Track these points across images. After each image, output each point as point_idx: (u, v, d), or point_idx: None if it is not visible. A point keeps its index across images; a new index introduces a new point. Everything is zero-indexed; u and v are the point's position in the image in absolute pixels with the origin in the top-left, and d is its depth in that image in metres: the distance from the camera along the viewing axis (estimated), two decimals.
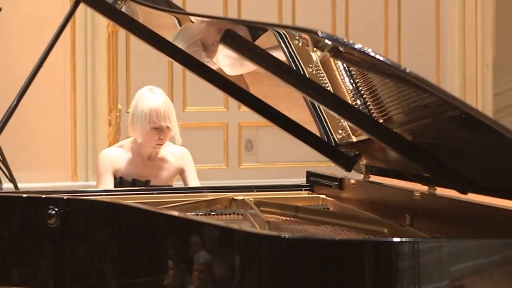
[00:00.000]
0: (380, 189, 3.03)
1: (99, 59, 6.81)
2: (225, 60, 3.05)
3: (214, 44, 2.99)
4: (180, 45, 3.09)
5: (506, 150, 2.18)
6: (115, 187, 3.73)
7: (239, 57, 2.94)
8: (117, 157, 3.80)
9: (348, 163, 3.24)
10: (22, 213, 2.83)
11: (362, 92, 2.83)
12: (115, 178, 3.77)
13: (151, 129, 3.71)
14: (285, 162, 7.14)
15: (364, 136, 2.98)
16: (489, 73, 7.75)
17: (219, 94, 3.46)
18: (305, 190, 3.50)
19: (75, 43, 6.73)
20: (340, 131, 3.24)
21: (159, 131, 3.72)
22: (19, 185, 6.02)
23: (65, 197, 2.84)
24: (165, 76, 6.97)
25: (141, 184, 3.75)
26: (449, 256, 2.07)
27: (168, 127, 3.73)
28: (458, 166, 2.51)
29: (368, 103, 2.81)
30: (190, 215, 2.89)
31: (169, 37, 3.13)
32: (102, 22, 6.69)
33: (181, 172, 3.87)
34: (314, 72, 2.98)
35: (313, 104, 3.23)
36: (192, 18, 3.20)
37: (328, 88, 2.98)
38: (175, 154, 3.88)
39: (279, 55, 2.89)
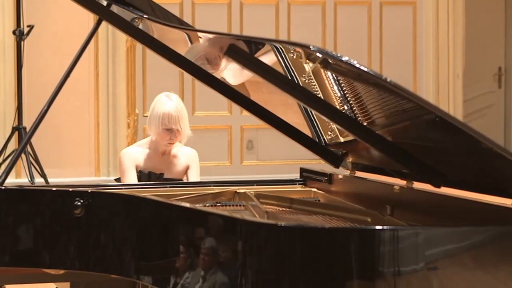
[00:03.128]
0: (364, 183, 3.02)
1: (119, 69, 6.81)
2: (228, 73, 3.06)
3: (217, 58, 2.99)
4: (190, 58, 3.09)
5: (474, 149, 2.18)
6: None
7: (239, 69, 2.94)
8: (136, 154, 3.86)
9: (336, 161, 3.23)
10: (52, 204, 2.82)
11: (348, 98, 2.82)
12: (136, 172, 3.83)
13: (163, 130, 3.76)
14: (282, 160, 7.14)
15: (351, 137, 2.97)
16: (459, 82, 7.75)
17: (224, 100, 3.45)
18: (299, 184, 3.49)
19: (98, 56, 6.72)
20: (329, 133, 3.23)
21: (170, 132, 3.77)
22: (49, 180, 6.03)
23: (89, 190, 2.83)
24: (176, 85, 6.96)
25: (156, 176, 3.81)
26: (424, 242, 2.06)
27: (178, 130, 3.76)
28: (432, 163, 2.51)
29: (354, 108, 2.80)
30: (198, 206, 2.89)
31: (180, 51, 3.13)
32: (122, 38, 6.69)
33: (187, 169, 3.90)
34: (306, 81, 2.97)
35: (305, 109, 3.23)
36: (200, 34, 3.20)
37: (319, 95, 2.97)
38: (185, 153, 3.92)
39: (276, 66, 2.89)
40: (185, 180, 3.89)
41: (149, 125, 3.84)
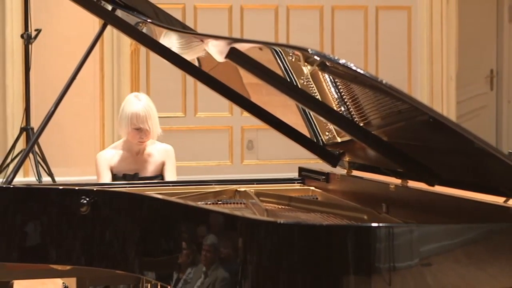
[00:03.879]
0: (360, 182, 3.03)
1: (123, 72, 6.81)
2: (214, 49, 3.01)
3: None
4: (172, 35, 3.06)
5: (467, 149, 2.18)
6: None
7: (224, 44, 2.89)
8: (111, 156, 3.82)
9: (333, 160, 3.23)
10: (59, 202, 2.82)
11: (345, 100, 2.82)
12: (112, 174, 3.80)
13: (132, 130, 3.73)
14: (281, 159, 7.14)
15: (347, 137, 2.97)
16: (452, 85, 7.75)
17: (225, 101, 3.45)
18: (298, 183, 3.48)
19: (103, 59, 6.72)
20: (327, 133, 3.23)
21: (140, 132, 3.73)
22: (56, 179, 6.03)
23: (94, 189, 2.83)
24: (179, 87, 6.96)
25: (130, 177, 3.75)
26: (419, 238, 2.07)
27: (147, 129, 3.73)
28: (426, 163, 2.51)
29: (350, 109, 2.80)
30: (200, 204, 2.89)
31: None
32: (126, 41, 6.69)
33: (162, 165, 3.87)
34: (305, 83, 2.97)
35: (304, 110, 3.23)
36: (202, 37, 3.19)
37: (317, 97, 2.97)
38: (159, 150, 3.87)
39: (275, 68, 2.89)
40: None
41: (119, 125, 3.81)
